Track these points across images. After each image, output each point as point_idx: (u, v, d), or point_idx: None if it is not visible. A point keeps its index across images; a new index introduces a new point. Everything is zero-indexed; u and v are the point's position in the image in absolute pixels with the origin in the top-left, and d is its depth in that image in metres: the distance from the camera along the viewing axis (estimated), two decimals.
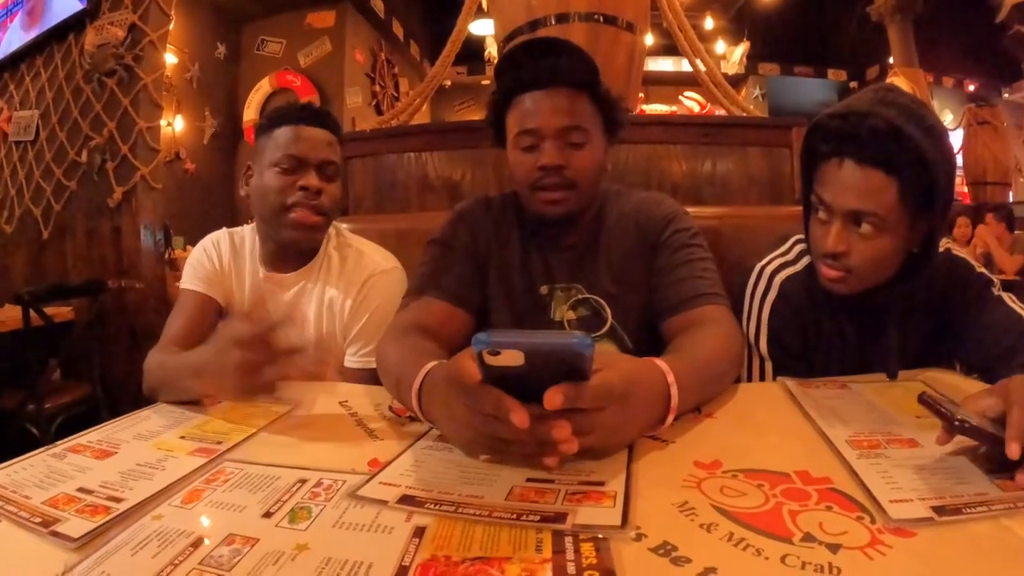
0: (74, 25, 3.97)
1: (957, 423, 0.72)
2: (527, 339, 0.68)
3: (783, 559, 0.56)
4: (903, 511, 0.65)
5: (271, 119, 1.50)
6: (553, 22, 3.15)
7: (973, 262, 1.32)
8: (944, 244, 1.30)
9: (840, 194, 1.15)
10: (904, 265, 1.22)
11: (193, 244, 1.68)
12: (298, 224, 1.45)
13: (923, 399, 0.78)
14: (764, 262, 1.38)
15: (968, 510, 0.66)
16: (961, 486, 0.71)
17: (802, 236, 1.37)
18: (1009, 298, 1.25)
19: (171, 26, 4.00)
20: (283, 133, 1.46)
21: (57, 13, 4.05)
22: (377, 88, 9.23)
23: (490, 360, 0.69)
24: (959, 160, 8.88)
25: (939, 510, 0.65)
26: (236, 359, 0.97)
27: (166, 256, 4.16)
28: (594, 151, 1.33)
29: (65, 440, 0.93)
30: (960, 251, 1.34)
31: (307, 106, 1.53)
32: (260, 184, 1.47)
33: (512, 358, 0.68)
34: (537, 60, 1.32)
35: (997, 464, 0.72)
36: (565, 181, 1.30)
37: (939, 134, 1.12)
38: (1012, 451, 0.68)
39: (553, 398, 0.69)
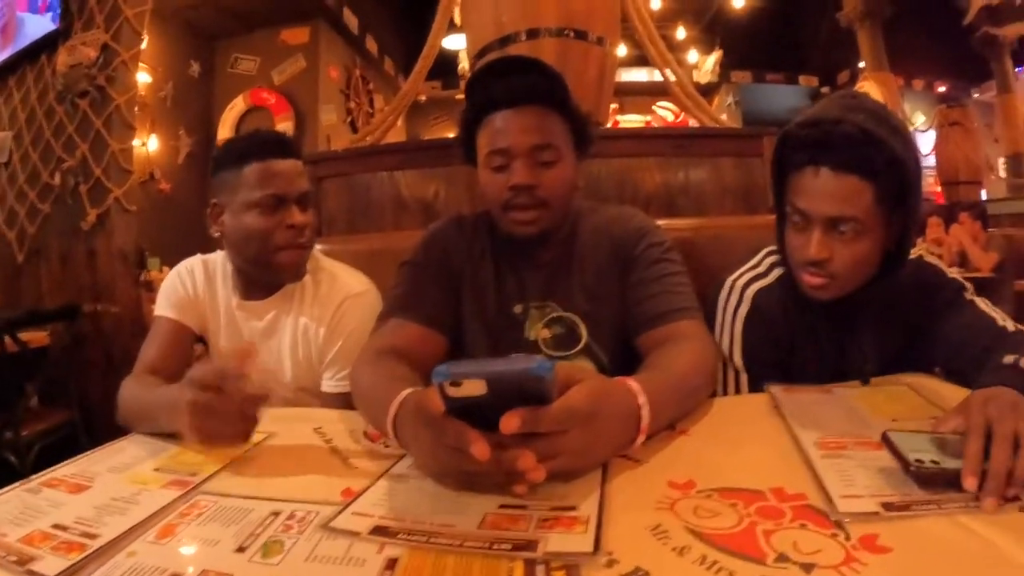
0: (46, 45, 3.93)
1: (912, 468, 0.73)
2: (486, 368, 0.69)
3: None
4: (852, 506, 0.68)
5: (235, 154, 1.46)
6: (524, 38, 3.16)
7: (944, 268, 1.35)
8: (916, 251, 1.32)
9: (818, 202, 1.17)
10: (880, 264, 1.24)
11: (169, 265, 1.67)
12: (288, 265, 1.47)
13: (885, 439, 0.79)
14: (735, 276, 1.39)
15: (917, 507, 0.68)
16: (912, 485, 0.73)
17: (773, 248, 1.39)
18: (982, 302, 1.27)
19: (144, 45, 3.97)
20: (256, 171, 1.43)
21: (29, 34, 4.02)
22: (352, 105, 9.21)
23: (452, 392, 0.69)
24: (932, 161, 9.01)
25: (887, 506, 0.68)
26: (187, 398, 0.95)
27: (141, 279, 4.13)
28: (565, 169, 1.34)
29: (39, 474, 0.92)
30: (931, 257, 1.37)
31: (272, 137, 1.51)
32: (240, 227, 1.44)
33: (474, 388, 0.68)
34: (507, 78, 1.32)
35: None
36: (536, 200, 1.31)
37: (905, 134, 1.15)
38: (968, 484, 0.70)
39: (509, 423, 0.69)
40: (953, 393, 1.08)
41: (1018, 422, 0.76)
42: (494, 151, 1.33)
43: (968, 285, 1.31)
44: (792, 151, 1.21)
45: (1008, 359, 0.97)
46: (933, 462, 0.73)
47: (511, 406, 0.70)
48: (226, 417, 0.93)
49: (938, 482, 0.73)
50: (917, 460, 0.73)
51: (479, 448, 0.69)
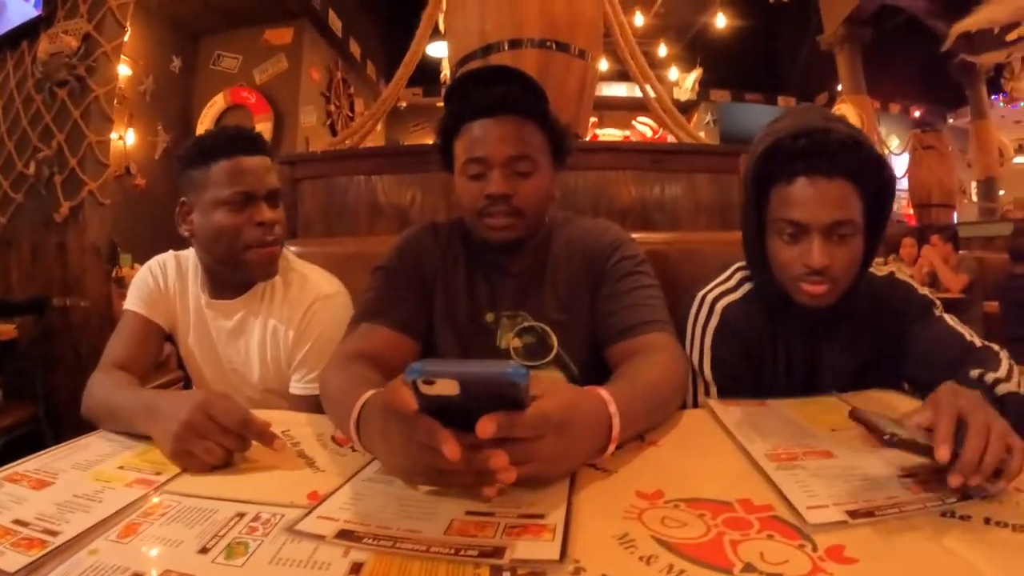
0: (28, 32, 3.88)
1: (887, 437, 0.75)
2: (461, 368, 0.69)
3: None
4: (819, 516, 0.70)
5: (202, 151, 1.45)
6: (506, 47, 3.18)
7: (915, 284, 1.38)
8: (888, 268, 1.36)
9: (816, 210, 1.20)
10: None
11: (141, 262, 1.66)
12: (259, 262, 1.46)
13: (855, 415, 0.82)
14: (706, 290, 1.41)
15: (880, 512, 0.70)
16: (873, 491, 0.76)
17: (742, 264, 1.41)
18: (950, 318, 1.31)
19: (126, 37, 3.94)
20: (224, 168, 1.42)
21: (11, 19, 3.96)
22: (332, 107, 9.20)
23: (425, 389, 0.69)
24: (905, 183, 9.17)
25: (853, 514, 0.70)
26: (184, 418, 0.93)
27: (112, 274, 4.08)
28: (541, 179, 1.35)
29: (3, 468, 0.91)
30: (904, 275, 1.40)
31: (239, 134, 1.49)
32: (208, 225, 1.44)
33: (447, 387, 0.68)
34: (487, 87, 1.33)
35: (933, 473, 0.76)
36: (511, 209, 1.32)
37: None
38: (941, 454, 0.72)
39: (486, 426, 0.69)
40: (906, 407, 1.11)
41: (988, 416, 0.78)
42: (471, 159, 1.33)
43: (938, 302, 1.34)
44: (781, 163, 1.23)
45: (974, 372, 1.00)
46: (907, 436, 0.77)
47: (483, 408, 0.70)
48: (211, 450, 0.91)
49: (916, 450, 0.76)
50: (892, 432, 0.76)
51: (450, 448, 0.69)
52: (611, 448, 0.89)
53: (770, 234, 1.29)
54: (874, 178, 1.20)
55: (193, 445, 0.91)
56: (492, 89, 1.32)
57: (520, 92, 1.33)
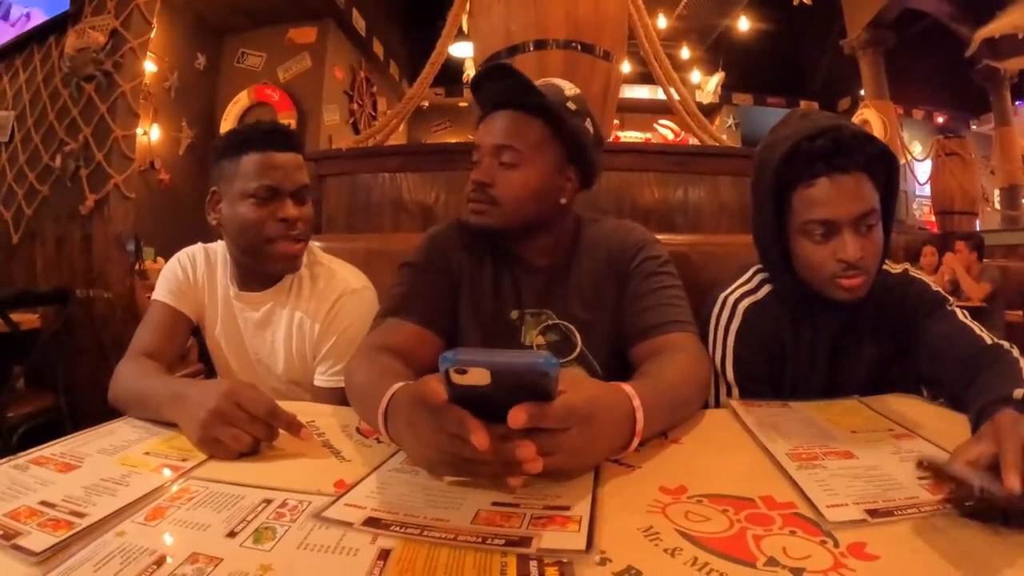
0: (55, 27, 3.92)
1: (978, 495, 0.66)
2: (493, 358, 0.69)
3: None
4: (839, 514, 0.70)
5: (236, 142, 1.47)
6: (531, 48, 3.18)
7: (930, 281, 1.38)
8: (904, 266, 1.38)
9: (843, 206, 1.22)
10: None
11: (165, 256, 1.68)
12: (281, 256, 1.47)
13: (926, 465, 0.77)
14: (727, 291, 1.41)
15: (900, 512, 0.70)
16: (893, 491, 0.76)
17: (760, 267, 1.41)
18: (962, 313, 1.31)
19: (152, 34, 3.97)
20: (253, 161, 1.43)
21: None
22: (355, 106, 9.23)
23: (456, 379, 0.70)
24: (927, 190, 9.09)
25: (872, 512, 0.70)
26: (212, 405, 0.93)
27: (136, 267, 4.11)
28: (526, 173, 1.35)
29: (28, 452, 0.92)
30: (919, 273, 1.40)
31: (273, 129, 1.51)
32: (234, 216, 1.45)
33: (478, 377, 0.69)
34: (487, 85, 1.39)
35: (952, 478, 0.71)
36: (487, 197, 1.35)
37: None
38: (1012, 483, 0.65)
39: (517, 416, 0.70)
40: (907, 409, 1.13)
41: None
42: (474, 148, 1.40)
43: (950, 299, 1.35)
44: (800, 167, 1.24)
45: (1018, 393, 0.96)
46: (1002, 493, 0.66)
47: (512, 399, 0.71)
48: (238, 437, 0.92)
49: (1008, 504, 0.66)
50: (981, 487, 0.66)
51: (479, 437, 0.69)
52: (635, 443, 0.89)
53: (796, 237, 1.29)
54: (884, 167, 1.25)
55: (220, 432, 0.92)
56: (492, 85, 1.38)
57: (514, 88, 1.34)
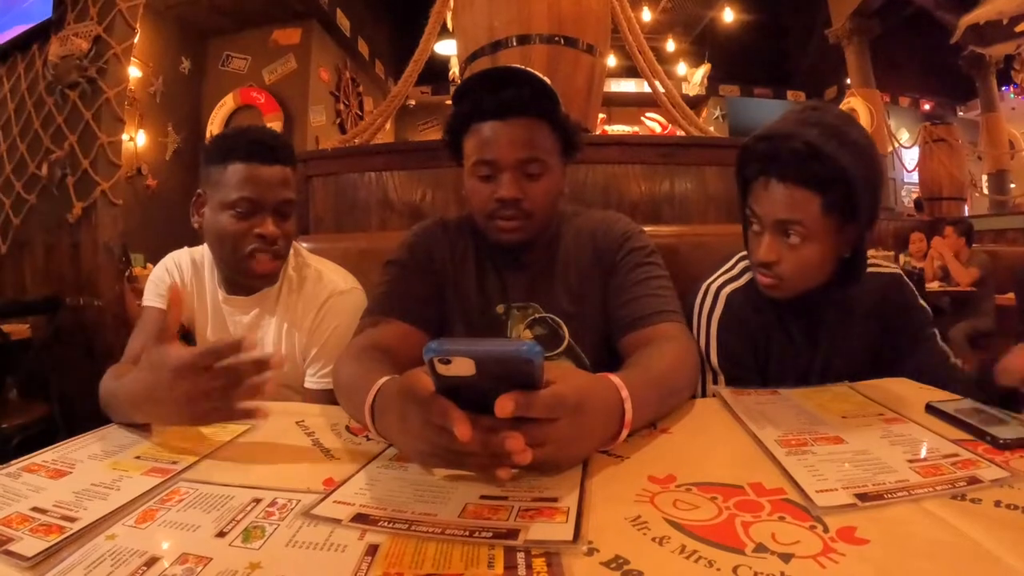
0: (38, 35, 3.89)
1: (1003, 441, 0.83)
2: (476, 346, 0.69)
3: (735, 570, 0.57)
4: (829, 499, 0.70)
5: (222, 149, 1.44)
6: (514, 43, 3.18)
7: (916, 294, 1.41)
8: (902, 261, 1.41)
9: (768, 208, 1.24)
10: (839, 270, 1.30)
11: (153, 262, 1.67)
12: (255, 272, 1.46)
13: (933, 410, 0.89)
14: (710, 279, 1.44)
15: (889, 496, 0.71)
16: (883, 475, 0.76)
17: (744, 253, 1.43)
18: (937, 336, 1.38)
19: (136, 39, 3.95)
20: (236, 172, 1.41)
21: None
22: (341, 107, 9.22)
23: (442, 369, 0.70)
24: (915, 177, 9.13)
25: (862, 497, 0.70)
26: (182, 391, 0.94)
27: (125, 274, 4.10)
28: (551, 180, 1.35)
29: (20, 459, 0.92)
30: (918, 265, 1.42)
31: (260, 139, 1.46)
32: (214, 223, 1.44)
33: (463, 367, 0.69)
34: (498, 89, 1.32)
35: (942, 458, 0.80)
36: (521, 212, 1.33)
37: (862, 148, 1.20)
38: None
39: (504, 405, 0.70)
40: (899, 393, 1.13)
41: None
42: (481, 161, 1.34)
43: (931, 316, 1.40)
44: (749, 162, 1.28)
45: None
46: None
47: (499, 389, 0.71)
48: (210, 393, 0.93)
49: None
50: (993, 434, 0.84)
51: (462, 428, 0.70)
52: (624, 433, 0.89)
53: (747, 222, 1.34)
54: (840, 189, 1.19)
55: (198, 404, 0.94)
56: (503, 91, 1.32)
57: (531, 95, 1.32)
